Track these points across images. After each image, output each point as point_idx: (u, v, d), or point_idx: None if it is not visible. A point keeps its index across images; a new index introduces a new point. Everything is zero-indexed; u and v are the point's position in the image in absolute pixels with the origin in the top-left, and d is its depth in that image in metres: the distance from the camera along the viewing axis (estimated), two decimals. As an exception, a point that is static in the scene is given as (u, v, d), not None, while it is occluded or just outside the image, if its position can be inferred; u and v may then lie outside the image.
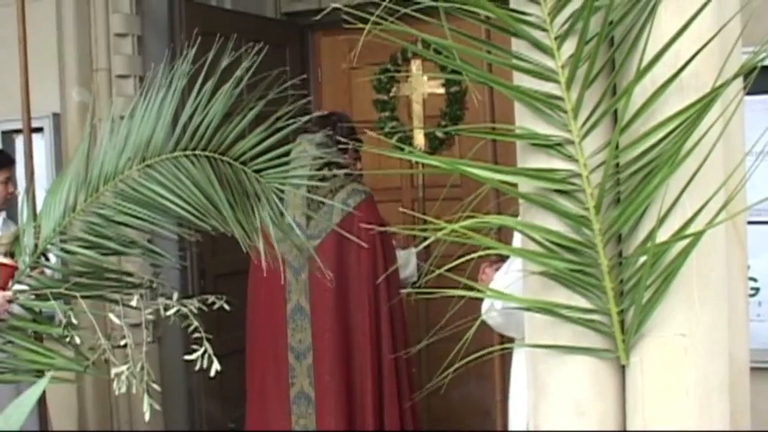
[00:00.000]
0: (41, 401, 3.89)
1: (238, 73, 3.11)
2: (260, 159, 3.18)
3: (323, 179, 4.31)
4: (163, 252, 3.35)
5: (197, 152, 3.15)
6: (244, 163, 3.16)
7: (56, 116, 5.32)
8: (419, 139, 5.58)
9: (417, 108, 5.58)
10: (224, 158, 3.16)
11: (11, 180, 4.10)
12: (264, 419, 4.52)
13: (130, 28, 5.48)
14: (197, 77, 3.16)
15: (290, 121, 3.14)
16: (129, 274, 3.41)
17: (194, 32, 5.20)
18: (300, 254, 4.19)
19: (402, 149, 3.48)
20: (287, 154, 3.21)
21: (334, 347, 4.47)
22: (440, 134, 5.53)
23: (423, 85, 5.58)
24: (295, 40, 6.64)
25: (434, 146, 5.56)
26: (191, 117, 3.15)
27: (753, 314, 3.69)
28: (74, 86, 5.31)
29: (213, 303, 3.45)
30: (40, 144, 5.26)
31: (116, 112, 3.54)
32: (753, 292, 3.81)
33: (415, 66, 5.55)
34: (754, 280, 3.83)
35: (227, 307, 3.50)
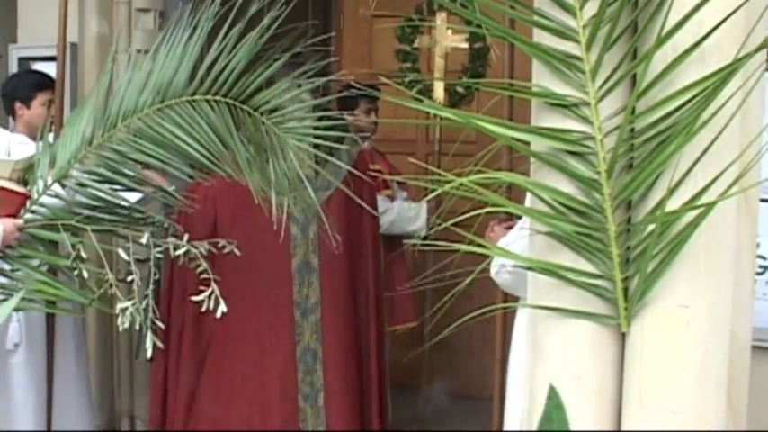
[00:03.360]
0: (49, 374, 3.91)
1: (265, 21, 3.08)
2: (280, 112, 3.16)
3: (328, 129, 4.26)
4: (173, 192, 3.35)
5: (217, 98, 3.14)
6: (263, 114, 3.14)
7: (73, 46, 5.29)
8: (439, 92, 5.51)
9: (439, 62, 5.50)
10: (244, 107, 3.14)
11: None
12: (262, 378, 4.44)
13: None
14: (220, 22, 3.14)
15: (313, 78, 3.13)
16: (141, 212, 3.41)
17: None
18: (308, 208, 4.13)
19: (420, 101, 3.47)
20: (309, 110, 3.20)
21: (342, 303, 4.42)
22: (460, 89, 5.47)
23: (446, 39, 5.50)
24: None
25: (454, 101, 5.51)
26: (214, 62, 3.13)
27: (759, 292, 3.67)
28: (93, 17, 5.27)
29: (224, 247, 3.46)
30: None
31: (135, 46, 3.53)
32: (760, 270, 3.79)
33: (440, 18, 5.46)
34: (763, 258, 3.81)
35: (237, 252, 3.51)
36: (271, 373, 4.32)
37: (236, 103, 3.14)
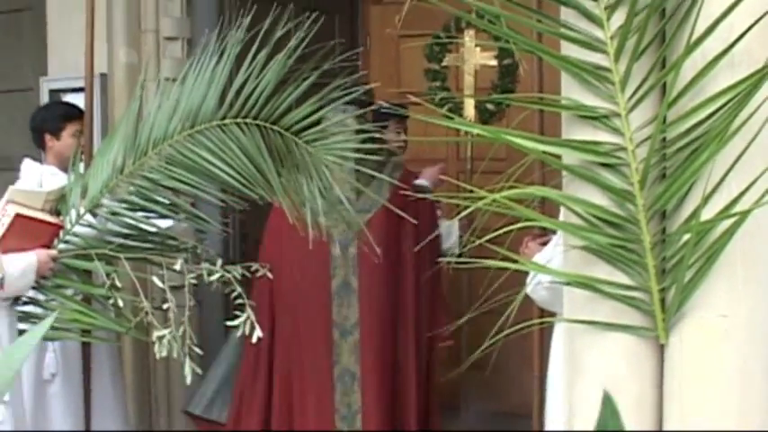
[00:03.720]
0: (86, 403, 3.93)
1: (293, 42, 3.09)
2: (311, 130, 3.16)
3: (370, 152, 4.26)
4: (206, 217, 3.36)
5: (248, 120, 3.15)
6: (295, 133, 3.15)
7: (103, 76, 5.33)
8: (469, 110, 5.50)
9: (469, 80, 5.49)
10: (275, 128, 3.14)
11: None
12: (303, 399, 4.46)
13: (180, -10, 5.47)
14: (247, 47, 3.16)
15: (343, 92, 3.13)
16: (174, 238, 3.42)
17: (245, -2, 5.24)
18: (348, 228, 4.13)
19: (451, 119, 3.51)
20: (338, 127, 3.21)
21: (381, 325, 4.40)
22: (490, 106, 5.46)
23: (475, 56, 5.49)
24: (345, 7, 6.60)
25: (485, 118, 5.50)
26: (243, 85, 3.14)
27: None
28: (121, 47, 5.29)
29: (257, 271, 3.46)
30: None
31: (164, 74, 3.55)
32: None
33: (468, 36, 5.45)
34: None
35: (269, 275, 3.52)
36: (309, 394, 4.34)
37: (267, 125, 3.14)
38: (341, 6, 6.56)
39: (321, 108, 3.15)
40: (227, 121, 3.16)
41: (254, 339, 3.15)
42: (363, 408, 4.35)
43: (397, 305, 4.46)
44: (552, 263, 2.76)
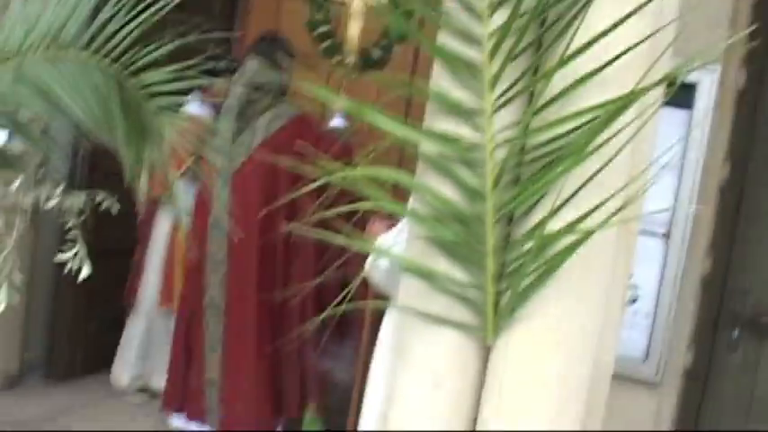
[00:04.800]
0: None
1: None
2: (164, 87, 3.05)
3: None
4: (41, 138, 3.20)
5: (106, 63, 3.01)
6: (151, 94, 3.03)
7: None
8: (351, 57, 5.44)
9: (353, 28, 5.39)
10: (132, 80, 3.02)
11: None
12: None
13: None
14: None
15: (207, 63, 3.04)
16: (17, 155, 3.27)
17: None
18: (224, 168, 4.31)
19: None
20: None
21: (246, 262, 4.64)
22: (375, 55, 5.40)
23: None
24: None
25: (369, 64, 5.42)
26: (108, 21, 3.01)
27: (628, 321, 3.73)
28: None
29: (101, 203, 3.33)
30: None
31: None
32: (632, 299, 3.83)
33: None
34: (636, 288, 3.86)
35: (116, 206, 3.40)
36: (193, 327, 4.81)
37: (125, 74, 3.01)
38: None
39: (181, 78, 3.05)
40: (85, 53, 3.02)
41: (81, 278, 3.02)
42: (225, 337, 4.68)
43: (267, 246, 4.63)
44: (395, 248, 2.75)
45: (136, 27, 2.99)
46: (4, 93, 3.03)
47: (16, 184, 3.09)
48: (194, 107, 4.85)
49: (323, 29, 5.43)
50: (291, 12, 5.64)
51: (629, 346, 3.74)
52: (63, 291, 5.72)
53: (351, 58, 5.44)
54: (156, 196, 5.22)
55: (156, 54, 3.03)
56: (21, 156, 3.29)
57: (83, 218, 3.18)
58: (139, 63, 3.03)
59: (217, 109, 4.54)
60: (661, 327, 3.76)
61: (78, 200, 3.17)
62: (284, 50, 4.87)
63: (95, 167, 5.56)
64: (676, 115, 3.48)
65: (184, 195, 5.13)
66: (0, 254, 3.04)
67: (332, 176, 1.89)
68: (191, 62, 3.05)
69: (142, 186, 2.96)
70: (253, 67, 4.71)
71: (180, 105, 3.11)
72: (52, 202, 3.13)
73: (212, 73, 3.21)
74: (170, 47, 3.03)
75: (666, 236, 3.66)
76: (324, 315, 2.02)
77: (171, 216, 5.41)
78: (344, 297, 2.05)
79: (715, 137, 3.61)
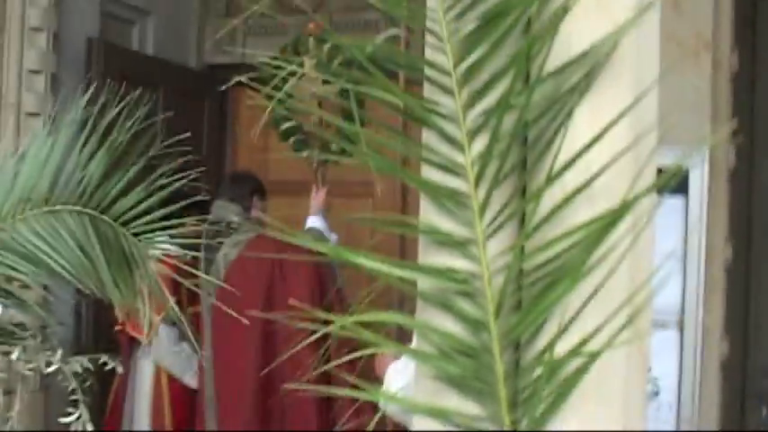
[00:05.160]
0: None
1: (119, 126, 2.99)
2: (139, 221, 3.03)
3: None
4: (35, 308, 3.16)
5: (77, 208, 2.99)
6: (124, 224, 3.01)
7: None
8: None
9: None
10: (103, 217, 3.00)
11: None
12: None
13: (45, 65, 5.30)
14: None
15: (169, 179, 3.03)
16: (17, 325, 3.23)
17: (110, 77, 5.12)
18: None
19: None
20: (169, 216, 3.09)
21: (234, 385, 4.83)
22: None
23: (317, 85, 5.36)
24: (215, 92, 6.53)
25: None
26: (75, 169, 3.01)
27: (652, 417, 3.64)
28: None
29: (105, 363, 3.28)
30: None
31: (25, 109, 3.40)
32: (653, 393, 3.76)
33: (308, 65, 5.31)
34: (656, 382, 3.79)
35: (120, 369, 3.35)
36: None
37: (96, 213, 2.99)
38: (211, 91, 6.49)
39: (149, 196, 3.04)
40: (58, 207, 3.01)
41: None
42: None
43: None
44: (394, 377, 2.70)
45: (97, 167, 2.99)
46: (-7, 264, 3.02)
47: (15, 354, 3.05)
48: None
49: (288, 124, 5.35)
50: (279, 147, 5.63)
51: (656, 440, 3.66)
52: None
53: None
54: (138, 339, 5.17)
55: (120, 184, 3.03)
56: (18, 325, 3.25)
57: (88, 382, 3.13)
58: (108, 197, 3.02)
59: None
60: (687, 417, 3.68)
61: (78, 364, 3.13)
62: (250, 188, 5.13)
63: (99, 321, 5.53)
64: (671, 203, 3.46)
65: (166, 339, 5.12)
66: (6, 424, 2.99)
67: (330, 327, 1.85)
68: (152, 177, 3.05)
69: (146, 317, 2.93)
70: (219, 206, 5.03)
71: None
72: (52, 368, 3.08)
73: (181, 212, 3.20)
74: (130, 172, 3.03)
75: (680, 324, 3.61)
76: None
77: (153, 358, 5.33)
78: None
79: (713, 218, 3.58)
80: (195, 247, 4.58)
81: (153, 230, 3.07)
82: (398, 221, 2.15)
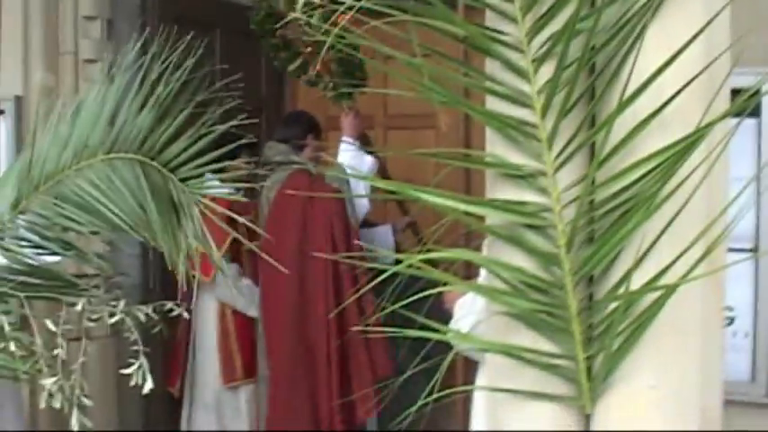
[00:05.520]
0: None
1: (167, 76, 2.95)
2: (186, 167, 3.01)
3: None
4: (95, 259, 3.14)
5: (129, 155, 2.98)
6: (173, 170, 2.99)
7: (18, 99, 5.13)
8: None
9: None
10: (153, 164, 2.98)
11: None
12: None
13: (100, 11, 5.26)
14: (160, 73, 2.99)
15: (212, 126, 3.00)
16: (79, 276, 3.23)
17: (166, 20, 5.08)
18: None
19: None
20: (219, 159, 3.06)
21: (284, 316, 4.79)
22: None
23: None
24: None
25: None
26: (127, 118, 2.99)
27: (727, 344, 3.57)
28: (38, 69, 5.11)
29: (171, 310, 3.27)
30: (1, 127, 5.09)
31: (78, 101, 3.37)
32: (728, 321, 3.69)
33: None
34: (730, 309, 3.71)
35: (186, 315, 3.34)
36: None
37: (146, 160, 2.98)
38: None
39: (196, 142, 3.01)
40: (111, 155, 2.99)
41: (145, 390, 2.95)
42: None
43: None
44: (464, 312, 2.67)
45: (147, 115, 2.98)
46: (50, 216, 3.02)
47: (79, 306, 3.05)
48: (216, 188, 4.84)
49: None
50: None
51: (733, 369, 3.59)
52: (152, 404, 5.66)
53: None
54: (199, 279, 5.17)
55: (169, 131, 3.02)
56: (82, 276, 3.25)
57: (158, 328, 3.13)
58: (158, 144, 3.01)
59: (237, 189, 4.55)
60: (763, 344, 3.60)
61: (143, 311, 3.12)
62: (303, 128, 5.05)
63: (167, 273, 5.53)
64: (743, 125, 3.34)
65: (231, 273, 5.12)
66: (67, 380, 2.99)
67: (398, 267, 1.81)
68: (198, 124, 3.03)
69: (182, 271, 2.92)
70: (269, 147, 5.03)
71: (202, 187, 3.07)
72: (115, 319, 3.08)
73: (232, 153, 3.19)
74: (178, 119, 3.01)
75: (754, 250, 3.52)
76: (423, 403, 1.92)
77: (216, 296, 5.33)
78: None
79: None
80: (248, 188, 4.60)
81: (201, 175, 3.05)
82: (464, 155, 2.10)
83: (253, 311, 5.26)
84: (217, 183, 3.26)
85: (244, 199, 3.43)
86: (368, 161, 4.83)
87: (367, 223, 5.09)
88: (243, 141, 3.25)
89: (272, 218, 4.82)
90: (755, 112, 3.39)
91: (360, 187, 4.77)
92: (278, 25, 4.52)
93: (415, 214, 5.09)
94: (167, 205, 2.98)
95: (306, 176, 4.85)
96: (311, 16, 3.71)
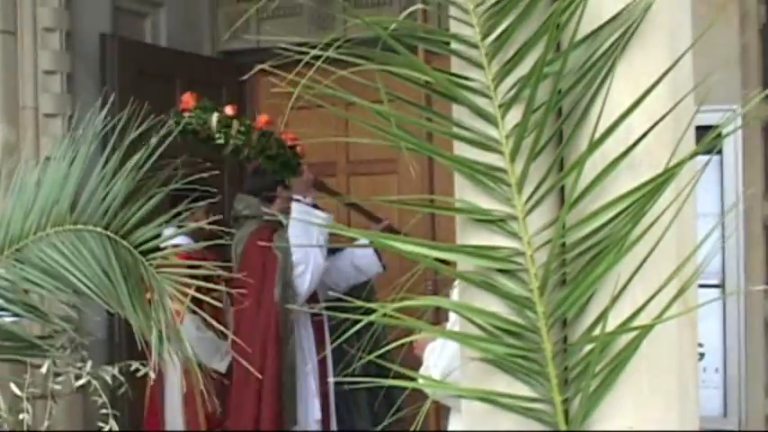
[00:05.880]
0: None
1: (142, 152, 2.92)
2: (156, 254, 2.98)
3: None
4: (57, 321, 3.09)
5: (98, 229, 2.94)
6: (143, 253, 2.96)
7: (-24, 152, 5.10)
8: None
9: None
10: (124, 242, 2.95)
11: None
12: None
13: (60, 65, 5.25)
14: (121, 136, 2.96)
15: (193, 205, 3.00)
16: (43, 338, 3.18)
17: (126, 71, 5.07)
18: None
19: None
20: (177, 213, 3.06)
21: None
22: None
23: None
24: (232, 79, 6.47)
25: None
26: (95, 190, 2.95)
27: (698, 380, 3.58)
28: (-1, 124, 5.08)
29: (137, 370, 3.21)
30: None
31: (43, 152, 3.35)
32: (698, 357, 3.70)
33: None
34: (700, 345, 3.72)
35: (152, 375, 3.29)
36: None
37: (118, 238, 2.94)
38: (229, 79, 6.44)
39: (169, 221, 3.00)
40: (79, 226, 2.95)
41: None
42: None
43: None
44: (434, 359, 2.66)
45: (118, 191, 2.95)
46: (14, 279, 2.97)
47: (44, 368, 3.01)
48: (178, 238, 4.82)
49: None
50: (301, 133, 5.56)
51: (706, 405, 3.59)
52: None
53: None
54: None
55: (141, 212, 2.98)
56: (46, 338, 3.21)
57: (123, 389, 3.08)
58: (129, 224, 2.98)
59: (195, 237, 4.50)
60: (734, 379, 3.61)
61: (108, 373, 3.08)
62: (272, 179, 5.05)
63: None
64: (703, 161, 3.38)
65: (190, 326, 5.07)
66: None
67: (372, 316, 1.79)
68: (173, 212, 3.00)
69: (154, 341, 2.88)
70: (238, 199, 5.10)
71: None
72: (82, 381, 3.04)
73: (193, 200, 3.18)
74: (151, 203, 2.98)
75: (721, 286, 3.53)
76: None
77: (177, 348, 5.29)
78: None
79: (749, 176, 3.50)
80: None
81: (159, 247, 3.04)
82: (431, 202, 2.09)
83: (216, 364, 5.24)
84: (172, 232, 3.24)
85: (199, 247, 3.41)
86: (320, 215, 4.86)
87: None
88: (199, 205, 3.24)
89: (240, 271, 4.83)
90: (718, 150, 3.41)
91: (320, 240, 4.86)
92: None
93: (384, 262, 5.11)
94: (135, 280, 2.95)
95: (270, 230, 4.91)
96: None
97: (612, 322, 1.84)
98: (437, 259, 1.90)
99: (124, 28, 5.92)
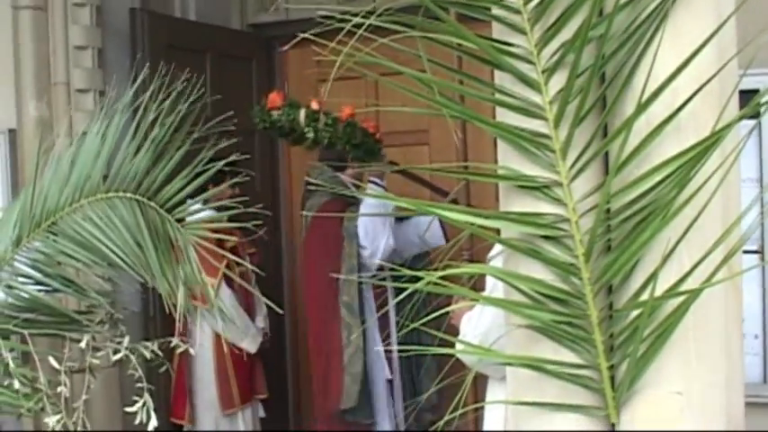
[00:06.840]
0: None
1: (164, 115, 2.95)
2: (180, 208, 3.02)
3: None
4: (94, 295, 3.11)
5: (128, 194, 2.97)
6: (169, 210, 2.99)
7: (11, 132, 5.12)
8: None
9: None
10: (151, 204, 2.98)
11: None
12: None
13: (90, 40, 5.25)
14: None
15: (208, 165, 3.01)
16: (81, 313, 3.20)
17: (156, 46, 5.07)
18: None
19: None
20: (204, 189, 3.14)
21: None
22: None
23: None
24: (261, 52, 6.47)
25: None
26: (126, 157, 2.99)
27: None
28: (31, 100, 5.09)
29: (177, 347, 3.23)
30: (-6, 160, 5.09)
31: (75, 128, 3.37)
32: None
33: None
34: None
35: (192, 351, 3.32)
36: None
37: (144, 200, 2.97)
38: (258, 51, 6.42)
39: (192, 182, 3.02)
40: (110, 194, 2.99)
41: (150, 428, 2.93)
42: None
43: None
44: (471, 326, 2.66)
45: (145, 154, 2.97)
46: (50, 253, 3.00)
47: (83, 343, 3.03)
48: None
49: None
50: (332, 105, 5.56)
51: (745, 371, 3.57)
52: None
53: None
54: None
55: (166, 170, 3.02)
56: (85, 313, 3.23)
57: (164, 367, 3.11)
58: (155, 184, 3.01)
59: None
60: (773, 345, 3.59)
61: (147, 348, 3.10)
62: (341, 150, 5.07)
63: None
64: (744, 126, 3.34)
65: (227, 299, 5.11)
66: (70, 417, 2.97)
67: (416, 285, 1.79)
68: (194, 163, 3.03)
69: (180, 303, 2.90)
70: (312, 168, 5.24)
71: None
72: (118, 356, 3.06)
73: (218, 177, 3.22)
74: (174, 158, 3.01)
75: (760, 251, 3.51)
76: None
77: (211, 322, 5.30)
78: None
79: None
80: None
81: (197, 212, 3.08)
82: (475, 168, 2.09)
83: (245, 343, 5.28)
84: (200, 207, 3.28)
85: (230, 224, 3.43)
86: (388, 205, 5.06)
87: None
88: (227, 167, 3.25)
89: (307, 240, 5.17)
90: (755, 114, 3.37)
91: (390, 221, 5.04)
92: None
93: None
94: (164, 245, 2.98)
95: (340, 204, 5.03)
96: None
97: (659, 288, 1.83)
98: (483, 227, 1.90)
99: (153, 2, 5.91)
